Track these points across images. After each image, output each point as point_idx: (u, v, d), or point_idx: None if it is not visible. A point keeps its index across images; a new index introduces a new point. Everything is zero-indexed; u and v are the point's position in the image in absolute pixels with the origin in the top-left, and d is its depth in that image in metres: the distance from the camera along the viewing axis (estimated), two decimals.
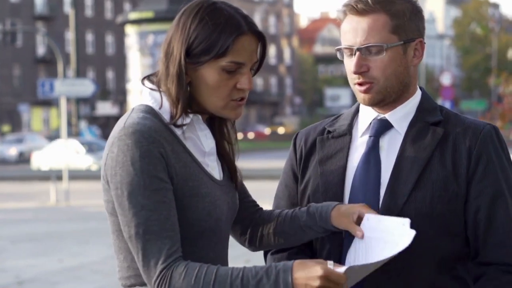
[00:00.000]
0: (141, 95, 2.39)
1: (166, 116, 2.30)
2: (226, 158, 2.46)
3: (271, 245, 2.56)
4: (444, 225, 2.39)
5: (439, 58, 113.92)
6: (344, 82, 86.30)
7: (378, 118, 2.51)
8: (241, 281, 2.11)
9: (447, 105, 48.59)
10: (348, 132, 2.56)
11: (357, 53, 2.41)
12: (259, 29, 2.34)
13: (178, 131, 2.30)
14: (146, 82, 2.37)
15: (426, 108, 2.51)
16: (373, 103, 2.47)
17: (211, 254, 2.31)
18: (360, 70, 2.42)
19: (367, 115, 2.54)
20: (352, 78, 2.46)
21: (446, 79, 47.45)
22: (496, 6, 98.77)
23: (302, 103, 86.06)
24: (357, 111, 2.60)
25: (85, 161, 31.28)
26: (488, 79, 36.39)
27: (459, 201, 2.39)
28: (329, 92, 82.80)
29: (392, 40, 2.41)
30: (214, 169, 2.38)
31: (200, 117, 2.34)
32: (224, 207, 2.35)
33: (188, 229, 2.27)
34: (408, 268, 2.37)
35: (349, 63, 2.46)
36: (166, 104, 2.30)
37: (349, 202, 2.45)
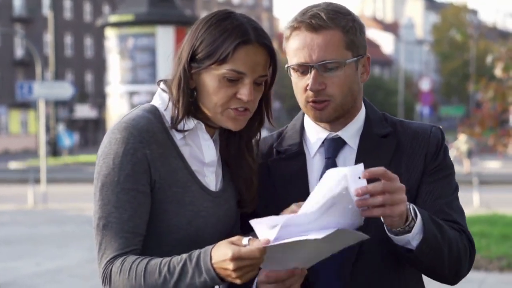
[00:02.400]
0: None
1: (169, 119, 2.31)
2: (242, 175, 2.44)
3: None
4: None
5: (418, 63, 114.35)
6: None
7: (330, 137, 2.48)
8: (168, 268, 2.12)
9: (426, 110, 48.79)
10: (301, 151, 2.51)
11: (314, 70, 2.36)
12: (269, 43, 2.31)
13: (178, 136, 2.31)
14: (162, 84, 2.39)
15: (372, 119, 2.51)
16: (328, 121, 2.45)
17: None
18: (319, 88, 2.37)
19: (317, 133, 2.51)
20: (307, 96, 2.40)
21: (425, 85, 47.70)
22: (474, 12, 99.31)
23: (281, 107, 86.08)
24: (302, 128, 2.56)
25: None
26: (467, 85, 36.57)
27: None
28: None
29: (347, 57, 2.39)
30: (212, 180, 2.38)
31: (203, 125, 2.34)
32: (212, 219, 2.34)
33: (167, 235, 2.28)
34: (368, 270, 2.39)
35: (302, 81, 2.40)
36: (170, 106, 2.32)
37: None
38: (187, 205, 2.29)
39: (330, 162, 2.46)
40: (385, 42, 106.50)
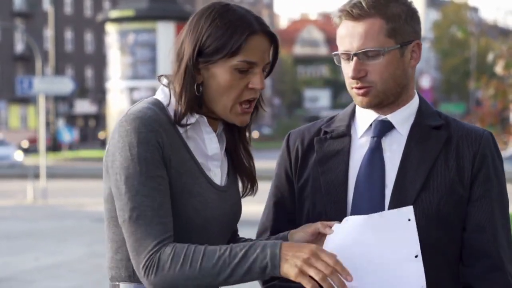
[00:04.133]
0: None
1: (172, 114, 2.32)
2: (242, 167, 2.48)
3: None
4: (450, 229, 2.40)
5: None
6: (323, 84, 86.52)
7: (379, 119, 2.50)
8: (229, 254, 2.13)
9: None
10: (347, 132, 2.54)
11: (355, 58, 2.40)
12: (271, 30, 2.34)
13: (181, 130, 2.32)
14: (162, 78, 2.40)
15: (425, 111, 2.52)
16: (371, 106, 2.47)
17: None
18: (358, 75, 2.41)
19: (366, 116, 2.52)
20: (350, 83, 2.44)
21: (425, 82, 47.70)
22: (475, 9, 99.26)
23: (281, 104, 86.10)
24: (353, 112, 2.58)
25: None
26: (467, 83, 36.54)
27: (464, 205, 2.40)
28: (308, 93, 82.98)
29: (388, 44, 2.41)
30: (216, 174, 2.38)
31: (205, 119, 2.34)
32: (218, 212, 2.35)
33: (176, 224, 2.27)
34: None
35: (347, 68, 2.44)
36: (173, 101, 2.33)
37: (353, 201, 2.43)
38: (195, 196, 2.29)
39: (375, 141, 2.48)
40: None
